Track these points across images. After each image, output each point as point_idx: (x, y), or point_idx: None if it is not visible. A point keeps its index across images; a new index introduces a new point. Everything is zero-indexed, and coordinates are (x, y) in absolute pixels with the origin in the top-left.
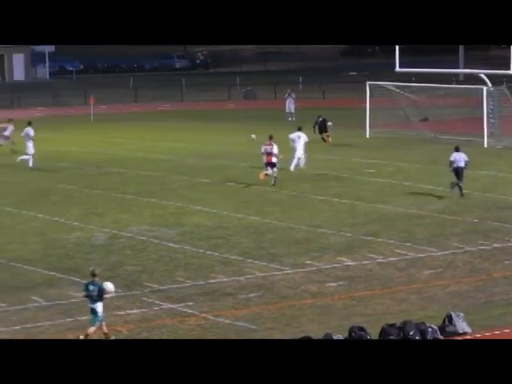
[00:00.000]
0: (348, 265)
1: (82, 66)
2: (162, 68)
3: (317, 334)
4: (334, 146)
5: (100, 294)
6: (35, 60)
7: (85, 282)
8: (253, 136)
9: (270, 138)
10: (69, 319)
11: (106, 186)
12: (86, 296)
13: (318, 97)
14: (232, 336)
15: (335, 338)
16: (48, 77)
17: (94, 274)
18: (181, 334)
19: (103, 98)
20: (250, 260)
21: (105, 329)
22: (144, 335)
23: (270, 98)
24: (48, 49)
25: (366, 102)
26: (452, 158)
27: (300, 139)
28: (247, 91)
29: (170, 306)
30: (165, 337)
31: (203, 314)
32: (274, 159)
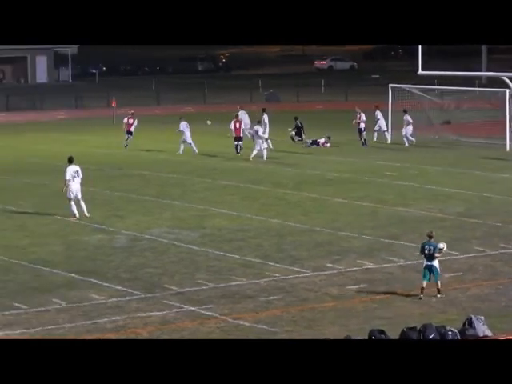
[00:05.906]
0: (368, 268)
1: (104, 68)
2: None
3: (337, 336)
4: (349, 149)
5: (434, 253)
6: (58, 62)
7: (422, 242)
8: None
9: None
10: (88, 321)
11: (127, 188)
12: (423, 255)
13: (341, 100)
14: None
15: None
16: (70, 79)
17: (430, 236)
18: (200, 336)
19: (126, 100)
20: (271, 263)
21: (439, 284)
22: (164, 338)
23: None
24: (71, 51)
25: (388, 105)
26: None
27: (187, 127)
28: None
29: (190, 308)
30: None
31: (223, 317)
32: None
